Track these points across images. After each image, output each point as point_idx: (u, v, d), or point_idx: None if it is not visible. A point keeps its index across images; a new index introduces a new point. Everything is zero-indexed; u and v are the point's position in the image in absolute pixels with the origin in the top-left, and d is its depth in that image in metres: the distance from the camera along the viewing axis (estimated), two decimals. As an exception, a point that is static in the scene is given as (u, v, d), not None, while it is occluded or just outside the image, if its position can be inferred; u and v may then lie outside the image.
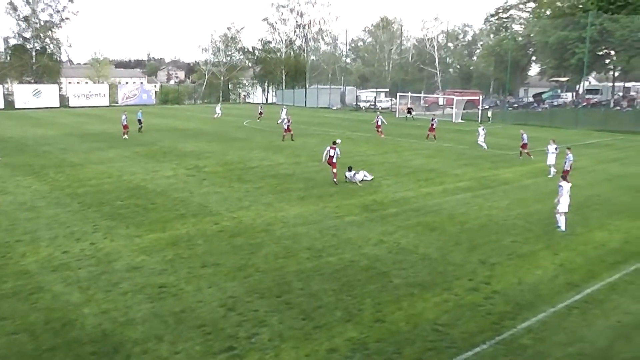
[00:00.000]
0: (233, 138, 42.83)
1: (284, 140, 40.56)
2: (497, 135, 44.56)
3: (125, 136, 41.53)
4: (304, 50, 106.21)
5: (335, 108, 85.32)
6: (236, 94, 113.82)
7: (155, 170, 28.25)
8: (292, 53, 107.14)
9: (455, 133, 47.50)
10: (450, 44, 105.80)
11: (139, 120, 46.16)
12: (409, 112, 64.64)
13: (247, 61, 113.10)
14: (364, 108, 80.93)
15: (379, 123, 44.48)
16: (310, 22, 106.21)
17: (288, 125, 41.52)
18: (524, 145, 33.33)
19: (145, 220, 18.58)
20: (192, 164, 30.02)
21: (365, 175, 25.51)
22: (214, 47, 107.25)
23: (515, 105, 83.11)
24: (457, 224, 18.75)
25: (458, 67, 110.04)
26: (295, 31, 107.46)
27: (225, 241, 16.49)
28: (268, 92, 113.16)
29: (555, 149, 27.82)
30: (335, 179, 25.13)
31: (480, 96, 70.67)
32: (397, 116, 68.74)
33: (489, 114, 64.09)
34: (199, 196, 22.35)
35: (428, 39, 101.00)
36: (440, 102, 76.00)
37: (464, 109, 65.34)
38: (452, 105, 64.78)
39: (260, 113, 60.31)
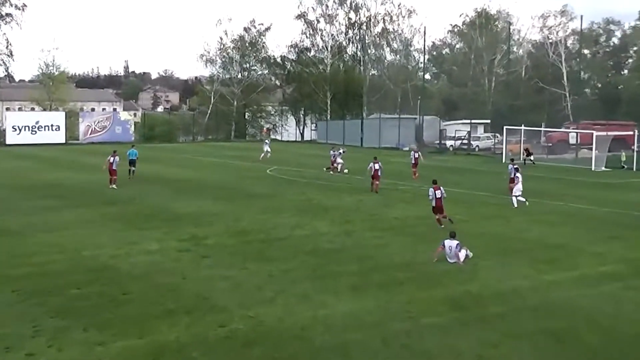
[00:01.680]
0: (251, 194, 43.29)
1: (372, 190, 44.14)
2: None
3: (113, 185, 43.27)
4: (359, 62, 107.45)
5: (406, 149, 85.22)
6: (257, 127, 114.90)
7: (133, 241, 28.55)
8: (341, 65, 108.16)
9: (595, 188, 46.85)
10: (585, 51, 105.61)
11: (131, 162, 48.22)
12: (528, 155, 64.34)
13: (273, 78, 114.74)
14: (452, 149, 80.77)
15: (414, 161, 53.48)
16: (370, 20, 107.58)
17: (375, 172, 44.07)
18: None
19: (114, 319, 18.61)
20: (188, 233, 30.30)
21: (467, 253, 25.18)
22: (224, 56, 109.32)
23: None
24: (600, 332, 18.28)
25: (598, 85, 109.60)
26: (346, 33, 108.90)
27: (235, 353, 16.39)
28: (305, 124, 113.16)
29: None
30: (447, 218, 31.97)
31: (636, 131, 69.82)
32: (503, 161, 68.18)
33: (623, 157, 63.17)
34: (196, 283, 22.41)
35: (551, 44, 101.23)
36: (572, 139, 75.41)
37: (609, 151, 64.58)
38: (591, 144, 64.16)
39: (334, 161, 60.53)
